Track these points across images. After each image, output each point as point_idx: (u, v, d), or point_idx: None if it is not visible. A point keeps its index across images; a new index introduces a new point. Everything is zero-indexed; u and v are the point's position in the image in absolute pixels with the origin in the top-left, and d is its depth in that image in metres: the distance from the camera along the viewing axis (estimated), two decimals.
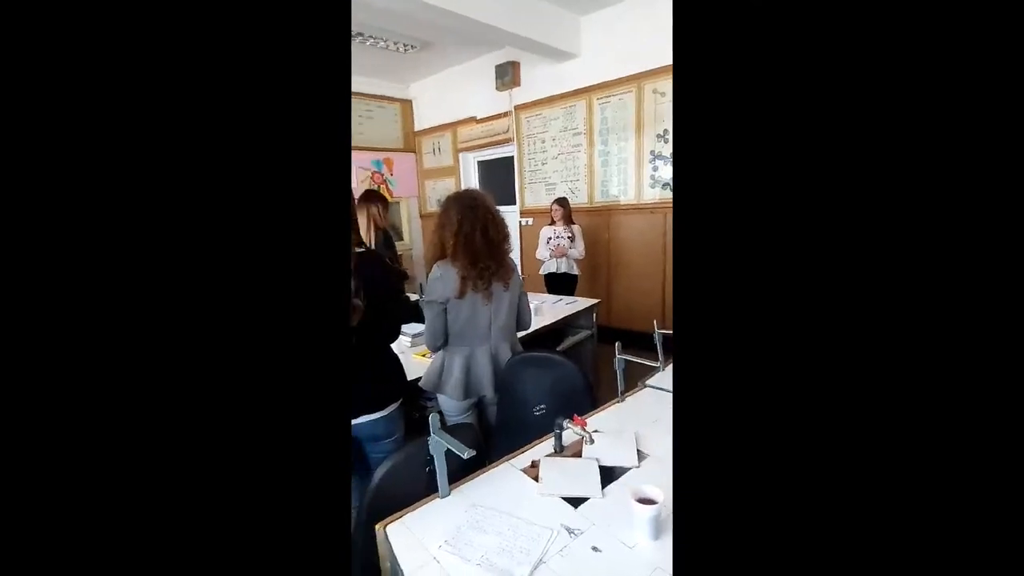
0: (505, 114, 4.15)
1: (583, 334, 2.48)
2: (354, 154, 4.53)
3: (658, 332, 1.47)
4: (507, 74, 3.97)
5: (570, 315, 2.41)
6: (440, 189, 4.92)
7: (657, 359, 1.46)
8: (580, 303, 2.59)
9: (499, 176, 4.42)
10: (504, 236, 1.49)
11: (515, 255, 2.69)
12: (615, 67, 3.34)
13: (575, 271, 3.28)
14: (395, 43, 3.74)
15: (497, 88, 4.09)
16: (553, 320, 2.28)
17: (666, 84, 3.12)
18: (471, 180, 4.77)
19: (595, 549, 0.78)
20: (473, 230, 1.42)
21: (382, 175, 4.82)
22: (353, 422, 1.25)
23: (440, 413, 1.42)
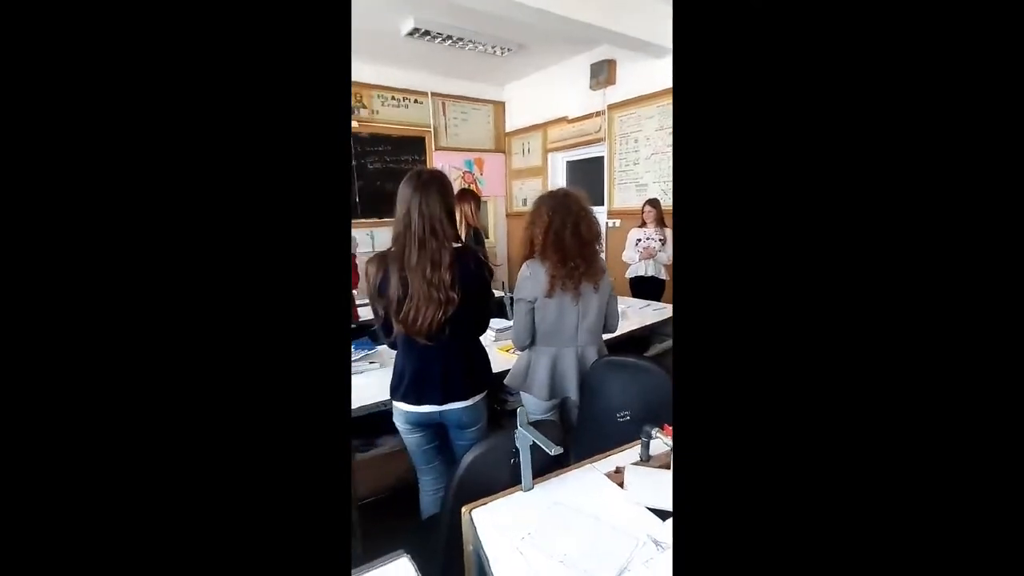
0: (597, 114, 4.09)
1: (668, 343, 2.37)
2: (448, 155, 4.74)
3: None
4: (602, 72, 3.91)
5: (657, 322, 2.31)
6: (527, 189, 4.98)
7: None
8: (669, 310, 2.47)
9: (588, 176, 4.37)
10: (595, 235, 1.47)
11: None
12: None
13: (663, 276, 3.15)
14: (492, 46, 3.85)
15: (591, 87, 4.05)
16: (639, 326, 2.20)
17: None
18: (559, 180, 4.77)
19: None
20: (563, 228, 1.42)
21: (473, 175, 4.99)
22: (441, 408, 1.31)
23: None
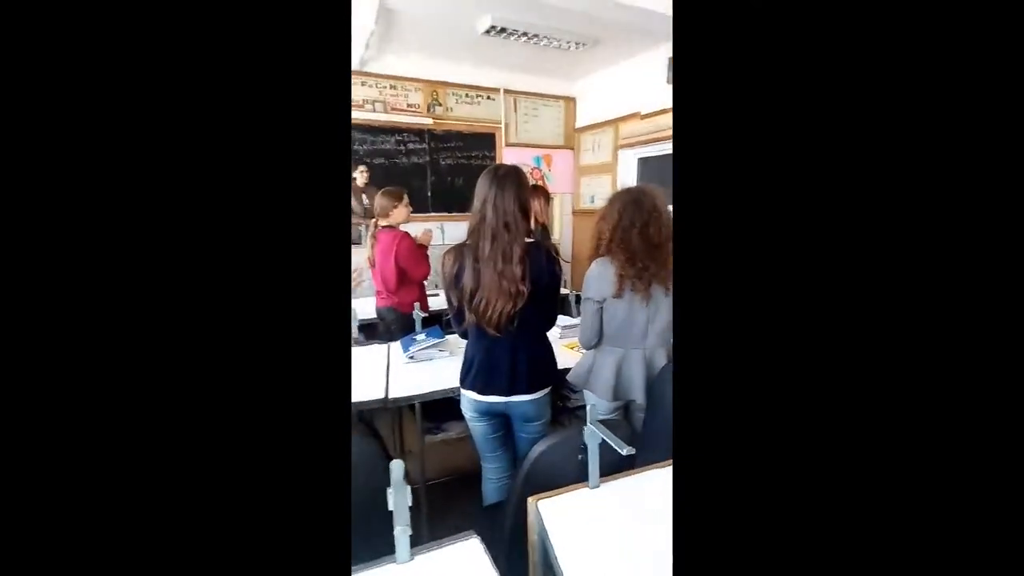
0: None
1: None
2: (517, 151, 4.78)
3: None
4: None
5: None
6: (595, 186, 4.91)
7: None
8: None
9: (661, 173, 4.23)
10: (666, 238, 1.42)
11: None
12: None
13: None
14: (567, 42, 3.82)
15: (668, 81, 3.90)
16: None
17: None
18: (629, 177, 4.65)
19: None
20: (632, 226, 1.39)
21: (541, 171, 5.00)
22: (506, 399, 1.35)
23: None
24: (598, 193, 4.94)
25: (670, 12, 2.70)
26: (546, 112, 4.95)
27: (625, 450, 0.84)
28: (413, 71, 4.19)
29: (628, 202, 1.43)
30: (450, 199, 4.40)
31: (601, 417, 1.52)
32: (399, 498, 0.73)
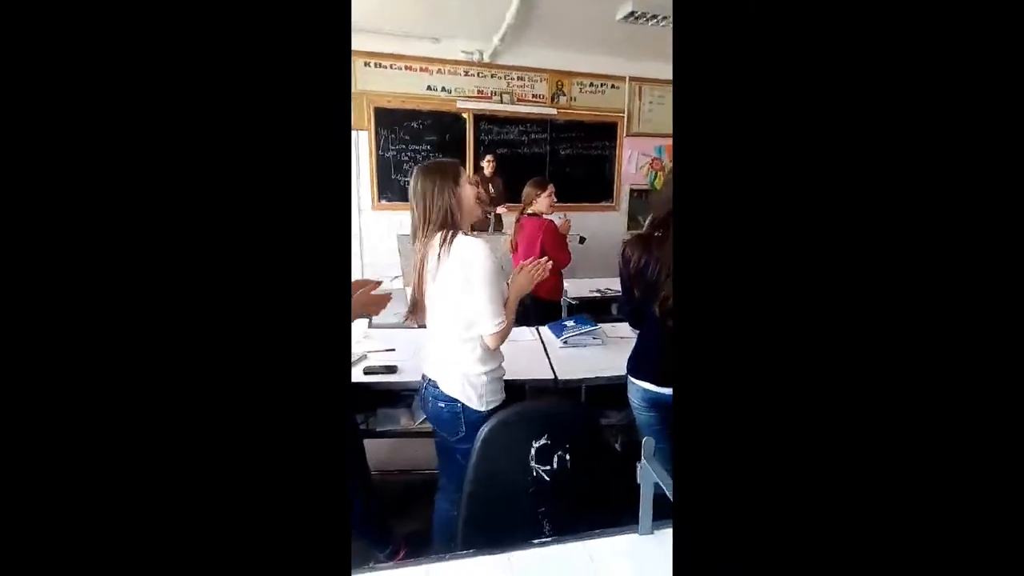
0: None
1: None
2: (638, 141, 4.65)
3: None
4: None
5: None
6: None
7: None
8: None
9: None
10: None
11: None
12: None
13: None
14: None
15: None
16: None
17: None
18: None
19: None
20: None
21: (662, 161, 4.82)
22: (663, 389, 1.34)
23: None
24: None
25: None
26: (671, 101, 4.76)
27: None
28: (542, 62, 4.24)
29: None
30: (566, 189, 4.43)
31: None
32: (646, 473, 0.76)
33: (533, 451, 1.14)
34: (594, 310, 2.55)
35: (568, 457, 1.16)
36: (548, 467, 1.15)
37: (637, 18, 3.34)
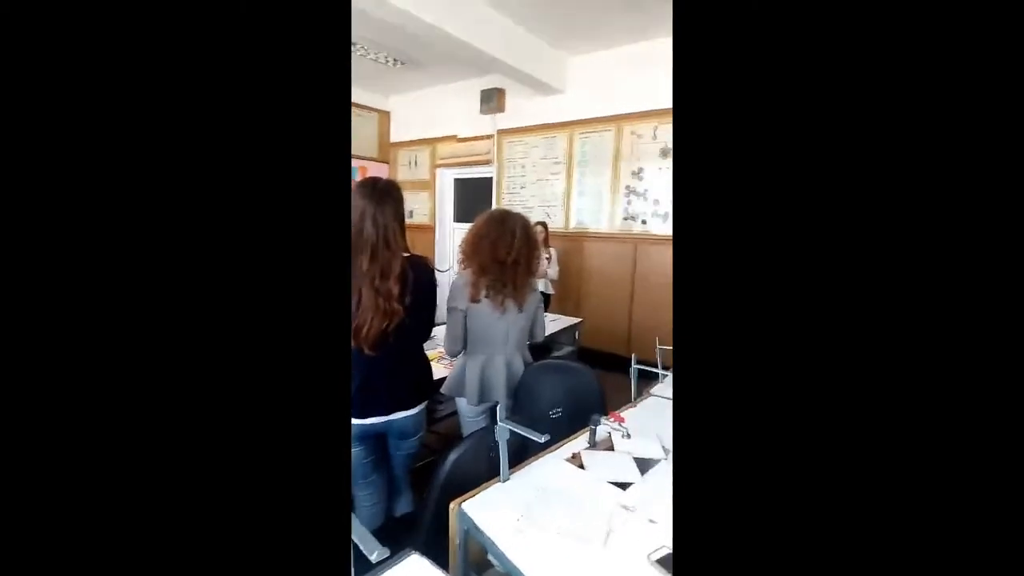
0: (488, 136, 4.33)
1: (566, 350, 2.64)
2: None
3: (659, 348, 1.66)
4: (492, 100, 4.16)
5: (556, 331, 2.56)
6: (413, 202, 4.96)
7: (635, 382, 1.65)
8: (563, 320, 2.76)
9: (476, 195, 4.57)
10: (519, 260, 1.55)
11: None
12: (598, 106, 3.64)
13: (550, 290, 3.47)
14: (384, 56, 3.82)
15: (481, 112, 4.27)
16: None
17: (643, 127, 3.44)
18: (447, 196, 4.88)
19: (652, 521, 0.92)
20: (488, 241, 1.52)
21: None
22: (387, 418, 1.31)
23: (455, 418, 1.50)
24: (416, 208, 5.00)
25: (484, 48, 3.01)
26: (360, 123, 4.80)
27: (543, 438, 0.95)
28: None
29: (491, 220, 1.57)
30: None
31: (468, 422, 1.61)
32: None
33: None
34: None
35: None
36: None
37: None
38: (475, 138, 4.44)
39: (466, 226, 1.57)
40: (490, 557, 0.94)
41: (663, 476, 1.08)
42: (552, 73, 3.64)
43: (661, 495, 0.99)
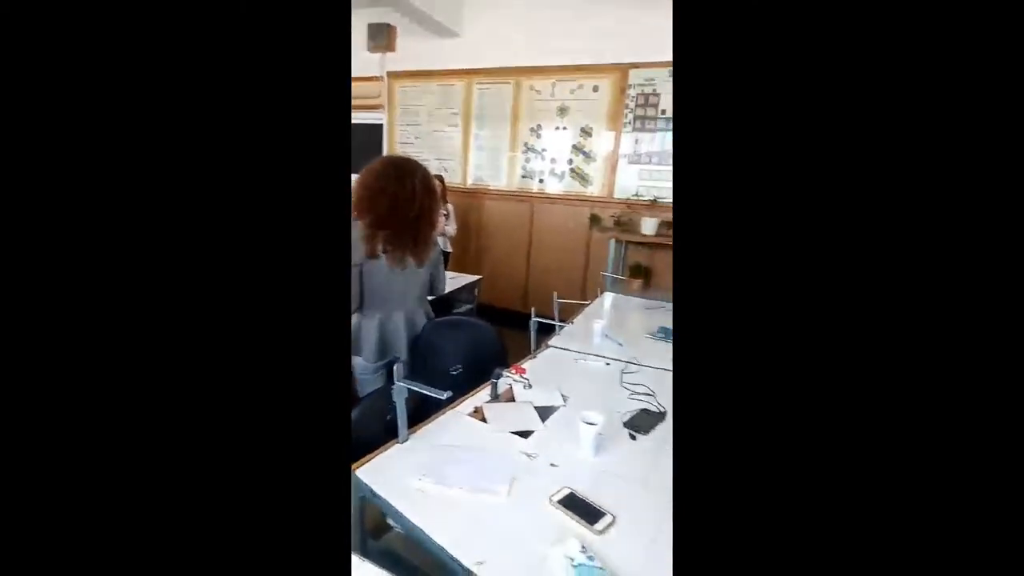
0: (377, 78, 3.95)
1: (465, 307, 2.61)
2: None
3: (557, 300, 1.70)
4: (381, 36, 3.77)
5: (455, 289, 2.51)
6: None
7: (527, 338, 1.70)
8: (462, 278, 2.70)
9: (366, 143, 4.19)
10: (421, 214, 1.46)
11: None
12: (497, 54, 3.49)
13: (448, 248, 3.37)
14: None
15: (368, 49, 3.85)
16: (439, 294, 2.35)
17: (542, 83, 3.40)
18: None
19: (553, 465, 0.94)
20: (383, 192, 1.40)
21: None
22: None
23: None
24: None
25: None
26: None
27: (445, 395, 0.90)
28: None
29: (387, 168, 1.42)
30: None
31: (364, 379, 1.51)
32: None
33: None
34: None
35: None
36: None
37: None
38: (363, 78, 4.02)
39: (353, 177, 1.39)
40: (390, 520, 0.89)
41: (562, 421, 1.11)
42: (447, 12, 3.39)
43: (561, 440, 1.02)
